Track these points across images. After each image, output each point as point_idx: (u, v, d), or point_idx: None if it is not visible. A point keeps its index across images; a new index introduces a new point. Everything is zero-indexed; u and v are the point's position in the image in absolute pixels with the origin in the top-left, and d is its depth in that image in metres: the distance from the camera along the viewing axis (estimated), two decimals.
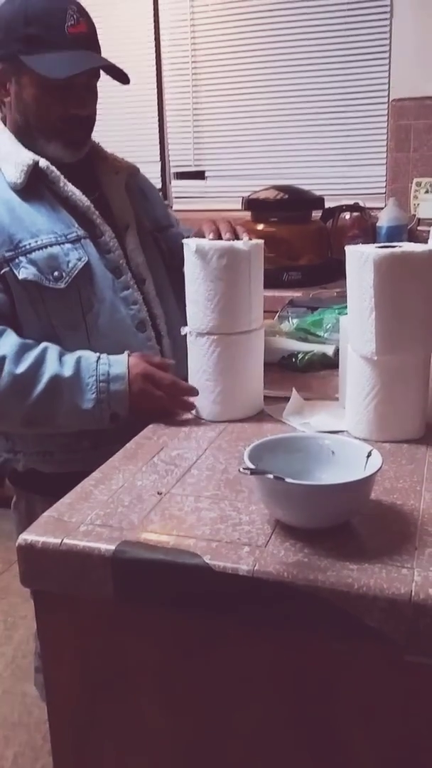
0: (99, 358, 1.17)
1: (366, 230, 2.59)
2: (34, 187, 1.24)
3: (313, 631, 0.72)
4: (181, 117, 3.20)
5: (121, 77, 1.30)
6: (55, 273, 1.21)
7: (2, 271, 1.19)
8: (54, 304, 1.21)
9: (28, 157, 1.23)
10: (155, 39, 3.12)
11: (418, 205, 2.76)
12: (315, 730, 0.76)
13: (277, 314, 1.67)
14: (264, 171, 3.09)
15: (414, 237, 2.65)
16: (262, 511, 0.83)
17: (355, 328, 1.04)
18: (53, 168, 1.25)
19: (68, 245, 1.23)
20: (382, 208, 2.72)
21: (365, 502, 0.82)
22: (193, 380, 1.16)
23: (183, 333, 1.17)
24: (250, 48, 3.02)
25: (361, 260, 0.99)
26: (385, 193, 2.89)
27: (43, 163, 1.25)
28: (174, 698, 0.81)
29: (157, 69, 3.16)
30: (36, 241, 1.21)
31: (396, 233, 2.57)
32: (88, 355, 1.18)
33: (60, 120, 1.26)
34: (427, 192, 2.76)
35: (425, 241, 1.30)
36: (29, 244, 1.20)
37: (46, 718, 0.88)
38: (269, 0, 2.95)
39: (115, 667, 0.82)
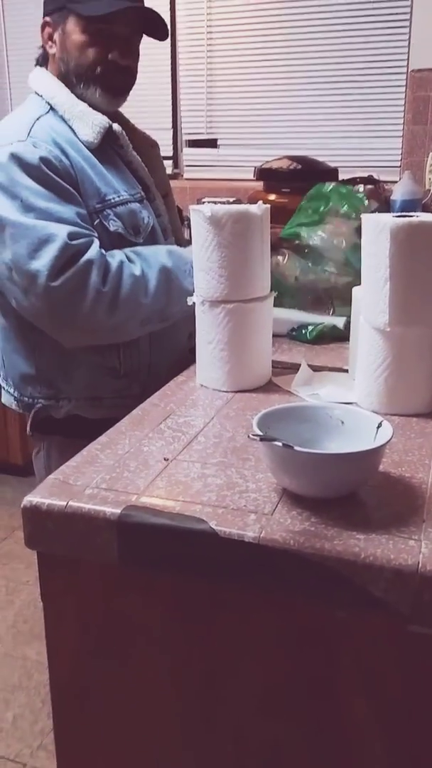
0: (183, 250, 1.31)
1: (380, 203, 2.55)
2: (103, 147, 1.31)
3: (318, 600, 0.72)
4: (194, 84, 3.15)
5: (160, 31, 1.34)
6: (135, 228, 1.31)
7: (95, 222, 1.27)
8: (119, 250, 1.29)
9: (104, 119, 1.30)
10: (171, 4, 3.05)
11: None
12: (317, 698, 0.76)
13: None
14: (277, 141, 3.05)
15: (428, 211, 2.61)
16: (269, 479, 0.83)
17: (368, 299, 1.02)
18: (125, 134, 1.34)
19: (138, 204, 1.33)
20: (396, 182, 2.67)
21: (373, 473, 0.81)
22: (203, 352, 1.14)
23: (190, 303, 1.15)
24: (266, 14, 2.95)
25: (377, 229, 0.97)
26: (400, 166, 2.85)
27: (116, 127, 1.32)
28: (176, 663, 0.81)
29: (171, 35, 3.09)
30: (118, 197, 1.30)
31: (410, 207, 2.52)
32: (174, 248, 1.32)
33: (99, 64, 1.30)
34: None
35: None
36: (113, 198, 1.29)
37: (46, 682, 0.89)
38: None
39: (118, 631, 0.82)
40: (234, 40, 3.03)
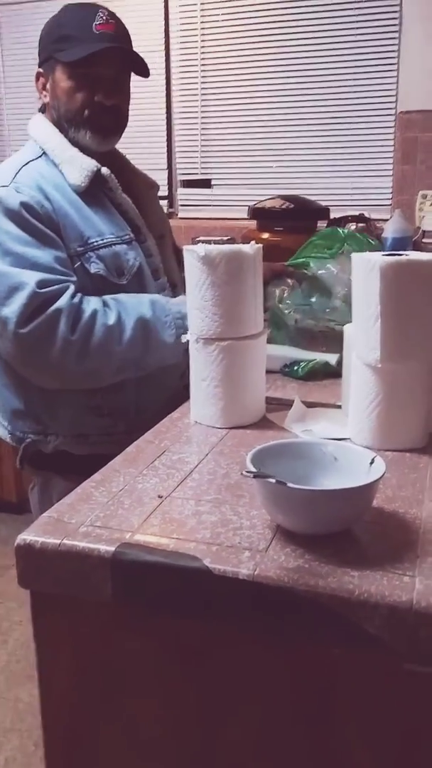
0: (167, 299, 1.33)
1: None
2: (92, 191, 1.34)
3: (313, 637, 0.72)
4: (188, 125, 3.21)
5: (142, 69, 1.38)
6: (118, 270, 1.33)
7: (75, 265, 1.29)
8: (96, 296, 1.30)
9: (92, 163, 1.33)
10: (165, 47, 3.13)
11: (423, 217, 2.76)
12: (314, 737, 0.75)
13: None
14: (270, 180, 3.10)
15: (419, 249, 2.65)
16: (263, 516, 0.83)
17: (359, 336, 1.03)
18: (113, 176, 1.36)
19: (125, 246, 1.35)
20: (387, 220, 2.72)
21: (367, 509, 0.81)
22: (197, 389, 1.15)
23: (184, 340, 1.17)
24: (258, 58, 3.03)
25: (367, 267, 0.99)
26: (390, 204, 2.90)
27: (105, 170, 1.35)
28: (171, 703, 0.80)
29: (166, 77, 3.17)
30: (102, 239, 1.32)
31: (401, 245, 2.56)
32: (158, 298, 1.33)
33: (86, 107, 1.34)
34: None
35: (430, 252, 1.30)
36: (96, 241, 1.31)
37: (39, 725, 0.87)
38: (278, 11, 2.97)
39: (112, 671, 0.81)
40: (227, 83, 3.11)
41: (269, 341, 1.23)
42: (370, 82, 2.88)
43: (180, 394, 1.26)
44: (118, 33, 1.34)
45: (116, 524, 0.82)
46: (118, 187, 1.38)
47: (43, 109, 1.42)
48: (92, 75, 1.32)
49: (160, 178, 3.25)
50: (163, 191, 3.27)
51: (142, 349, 1.28)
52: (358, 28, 2.86)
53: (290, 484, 0.74)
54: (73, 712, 0.85)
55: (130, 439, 1.08)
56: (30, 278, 1.21)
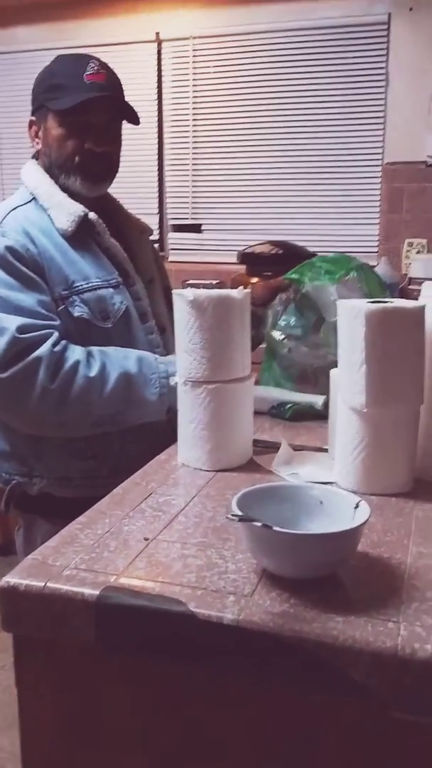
0: (156, 357, 1.34)
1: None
2: (80, 235, 1.35)
3: (297, 683, 0.71)
4: (180, 171, 3.29)
5: (132, 117, 1.42)
6: (103, 313, 1.33)
7: (59, 308, 1.30)
8: (99, 340, 1.32)
9: (79, 208, 1.35)
10: (158, 95, 3.23)
11: (409, 264, 2.82)
12: None
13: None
14: (259, 226, 3.16)
15: (405, 295, 2.69)
16: (248, 560, 0.83)
17: (345, 380, 1.05)
18: (101, 221, 1.38)
19: (111, 289, 1.36)
20: (374, 267, 2.77)
21: (352, 553, 0.81)
22: (185, 431, 1.15)
23: (173, 383, 1.18)
24: (248, 107, 3.12)
25: (352, 314, 1.01)
26: (377, 251, 2.96)
27: (92, 215, 1.36)
28: (154, 749, 0.79)
29: (158, 124, 3.26)
30: (87, 283, 1.33)
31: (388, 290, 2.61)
32: (147, 355, 1.33)
33: (76, 154, 1.37)
34: (418, 252, 2.82)
35: (416, 299, 1.32)
36: (81, 285, 1.32)
37: None
38: (269, 64, 3.07)
39: (95, 717, 0.80)
40: (218, 131, 3.19)
41: (257, 382, 1.23)
42: (358, 134, 2.97)
43: (165, 438, 1.27)
44: (109, 82, 1.37)
45: (101, 567, 0.81)
46: (106, 232, 1.39)
47: (36, 156, 1.45)
48: (82, 123, 1.35)
49: (152, 222, 3.29)
50: (153, 235, 3.32)
51: (123, 404, 1.28)
52: (346, 82, 2.96)
53: (275, 528, 0.74)
54: (54, 760, 0.83)
55: (114, 482, 1.08)
56: (11, 323, 1.22)
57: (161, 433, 1.35)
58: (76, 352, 1.26)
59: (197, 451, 1.14)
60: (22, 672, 0.83)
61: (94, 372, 1.25)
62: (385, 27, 2.88)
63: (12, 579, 0.79)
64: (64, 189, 1.38)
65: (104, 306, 1.34)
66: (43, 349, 1.22)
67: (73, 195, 1.37)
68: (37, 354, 1.22)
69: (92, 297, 1.33)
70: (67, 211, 1.35)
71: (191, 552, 0.85)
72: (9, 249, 1.27)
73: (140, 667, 0.77)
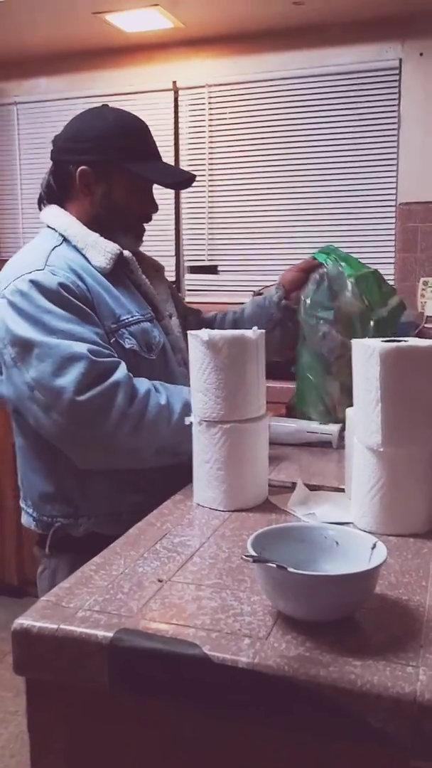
0: (174, 370, 1.39)
1: None
2: (116, 273, 1.40)
3: (314, 730, 0.69)
4: (196, 213, 3.34)
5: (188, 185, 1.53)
6: (148, 345, 1.38)
7: (111, 341, 1.33)
8: (145, 371, 1.35)
9: (115, 247, 1.40)
10: (174, 137, 3.30)
11: (425, 303, 2.82)
12: None
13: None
14: (275, 267, 3.19)
15: (422, 334, 2.70)
16: (264, 602, 0.82)
17: (360, 420, 1.04)
18: (134, 258, 1.44)
19: (149, 323, 1.41)
20: None
21: (369, 596, 0.80)
22: (200, 471, 1.15)
23: (187, 423, 1.18)
24: (264, 150, 3.18)
25: (367, 353, 1.01)
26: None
27: (127, 253, 1.42)
28: None
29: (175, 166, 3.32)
30: (131, 317, 1.38)
31: (403, 330, 2.61)
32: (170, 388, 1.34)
33: (140, 217, 1.47)
34: None
35: None
36: (127, 319, 1.37)
37: None
38: (283, 109, 3.13)
39: (109, 762, 0.79)
40: (233, 175, 3.25)
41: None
42: (372, 175, 3.01)
43: None
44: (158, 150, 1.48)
45: (115, 609, 0.81)
46: (138, 269, 1.45)
47: (48, 199, 1.47)
48: (149, 190, 1.46)
49: (169, 264, 3.35)
50: (170, 276, 3.37)
51: (185, 435, 1.26)
52: (359, 125, 3.02)
53: (291, 569, 0.74)
54: None
55: None
56: (83, 348, 1.23)
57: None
58: (144, 381, 1.29)
59: (212, 491, 1.13)
60: (35, 717, 0.81)
61: (164, 400, 1.28)
62: (397, 72, 2.94)
63: (25, 621, 0.79)
64: (109, 238, 1.41)
65: (148, 338, 1.38)
66: (120, 374, 1.25)
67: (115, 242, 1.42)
68: (115, 378, 1.24)
69: (138, 330, 1.37)
70: (103, 250, 1.39)
71: (206, 594, 0.85)
72: (62, 285, 1.29)
73: (154, 711, 0.76)
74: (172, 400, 1.29)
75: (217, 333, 1.12)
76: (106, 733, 0.78)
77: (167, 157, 3.24)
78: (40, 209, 1.48)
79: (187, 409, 1.27)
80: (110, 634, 0.75)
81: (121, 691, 0.75)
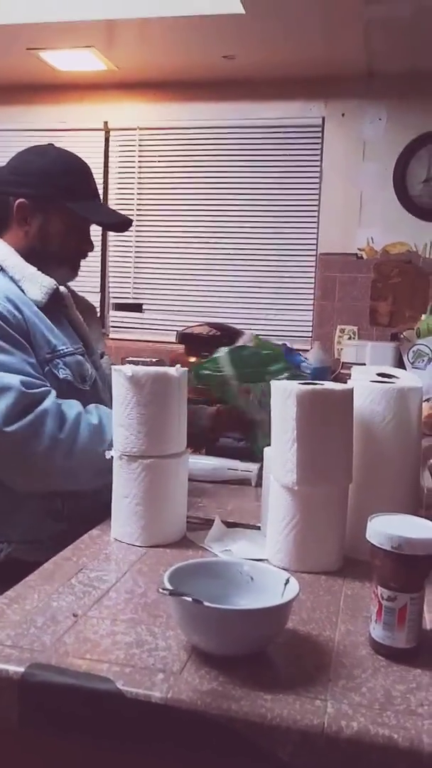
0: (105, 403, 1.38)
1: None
2: (50, 306, 1.42)
3: (225, 764, 0.70)
4: (123, 251, 3.37)
5: (127, 224, 1.59)
6: (82, 377, 1.42)
7: (45, 370, 1.35)
8: (76, 399, 1.35)
9: (51, 282, 1.43)
10: (104, 182, 3.34)
11: (341, 349, 2.93)
12: None
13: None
14: (199, 308, 3.25)
15: (338, 379, 2.79)
16: (178, 637, 0.82)
17: (277, 458, 1.07)
18: (69, 294, 1.49)
19: (81, 357, 1.44)
20: (308, 350, 2.87)
21: (281, 630, 0.82)
22: (119, 505, 1.15)
23: (108, 457, 1.18)
24: (191, 194, 3.26)
25: (285, 394, 1.05)
26: (311, 336, 3.07)
27: (62, 289, 1.45)
28: None
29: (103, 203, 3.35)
30: (66, 348, 1.41)
31: (320, 374, 2.70)
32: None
33: (76, 253, 1.52)
34: (350, 338, 2.94)
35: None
36: (62, 349, 1.40)
37: None
38: (211, 156, 3.23)
39: None
40: (162, 214, 3.31)
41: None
42: (294, 225, 3.13)
43: None
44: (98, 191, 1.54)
45: (27, 644, 0.80)
46: (73, 305, 1.49)
47: None
48: (86, 228, 1.50)
49: (94, 300, 3.33)
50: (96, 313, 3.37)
51: None
52: (283, 176, 3.14)
53: (206, 603, 0.75)
54: None
55: None
56: (14, 380, 1.25)
57: None
58: (74, 405, 1.31)
59: (130, 527, 1.14)
60: None
61: (95, 420, 1.30)
62: (320, 129, 3.09)
63: None
64: (43, 271, 1.43)
65: (82, 370, 1.42)
66: (48, 402, 1.26)
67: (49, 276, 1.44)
68: (43, 407, 1.25)
69: (72, 361, 1.40)
70: (40, 284, 1.41)
71: (121, 629, 0.84)
72: None
73: (65, 749, 0.74)
74: (105, 420, 1.30)
75: (140, 369, 1.14)
76: None
77: None
78: None
79: None
80: (21, 669, 0.74)
81: (31, 728, 0.74)
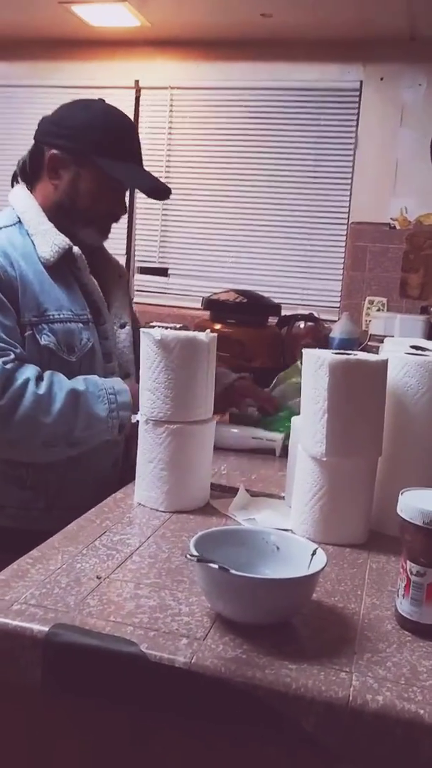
0: (101, 378, 1.33)
1: (319, 340, 2.68)
2: (60, 267, 1.36)
3: (247, 732, 0.70)
4: (150, 214, 3.33)
5: (166, 192, 1.49)
6: (69, 346, 1.33)
7: (27, 333, 1.30)
8: (58, 370, 1.31)
9: (65, 241, 1.36)
10: None
11: (369, 321, 2.89)
12: None
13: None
14: (225, 275, 3.21)
15: (365, 351, 2.75)
16: (202, 603, 0.82)
17: (306, 429, 1.06)
18: (83, 257, 1.39)
19: (81, 325, 1.36)
20: (335, 321, 2.83)
21: (307, 601, 0.81)
22: (144, 470, 1.14)
23: (134, 421, 1.17)
24: (222, 158, 3.20)
25: (317, 364, 1.02)
26: (339, 307, 3.03)
27: (76, 250, 1.37)
28: None
29: None
30: (59, 314, 1.33)
31: (347, 346, 2.66)
32: (93, 377, 1.33)
33: (106, 215, 1.44)
34: (378, 310, 2.90)
35: None
36: (53, 315, 1.33)
37: None
38: (244, 118, 3.16)
39: (38, 762, 0.77)
40: (191, 177, 3.25)
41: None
42: (326, 192, 3.07)
43: (108, 481, 1.25)
44: (142, 156, 1.45)
45: (51, 604, 0.79)
46: (86, 268, 1.40)
47: (20, 177, 1.45)
48: (120, 190, 1.44)
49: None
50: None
51: (72, 422, 1.25)
52: (317, 141, 3.07)
53: (232, 571, 0.74)
54: None
55: (47, 516, 1.07)
56: None
57: (105, 476, 1.35)
58: (27, 371, 1.25)
59: (155, 491, 1.13)
60: None
61: (42, 390, 1.24)
62: (357, 93, 3.00)
63: None
64: (62, 229, 1.38)
65: (71, 339, 1.34)
66: None
67: (80, 242, 1.39)
68: None
69: (61, 328, 1.33)
70: (52, 241, 1.35)
71: (144, 592, 0.84)
72: None
73: (86, 711, 0.75)
74: (55, 388, 1.26)
75: (170, 333, 1.12)
76: (37, 733, 0.77)
77: None
78: (12, 186, 1.46)
79: (73, 396, 1.26)
80: (45, 629, 0.74)
81: (53, 689, 0.74)
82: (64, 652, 0.73)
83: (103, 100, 1.47)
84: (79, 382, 1.29)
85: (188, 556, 0.76)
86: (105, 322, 1.44)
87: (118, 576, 0.88)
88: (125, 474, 1.34)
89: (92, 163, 1.38)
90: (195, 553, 0.77)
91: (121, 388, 1.31)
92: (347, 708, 0.66)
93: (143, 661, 0.71)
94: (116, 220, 1.48)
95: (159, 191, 1.47)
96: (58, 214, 1.39)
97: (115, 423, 1.29)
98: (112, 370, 1.42)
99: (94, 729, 0.75)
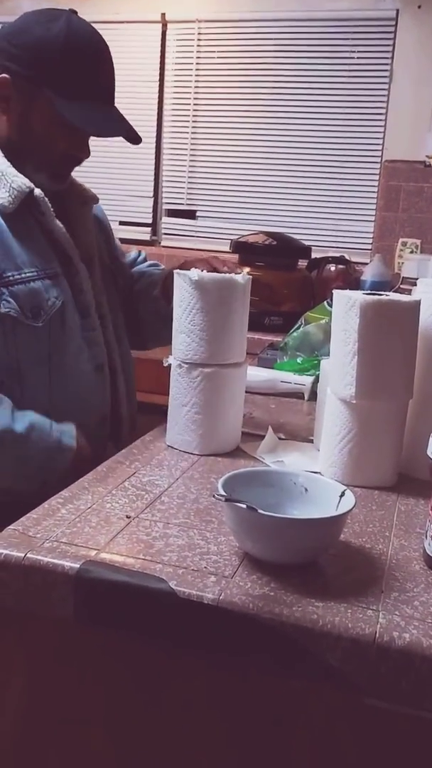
0: (51, 424, 1.18)
1: (350, 283, 2.64)
2: (20, 214, 1.18)
3: (274, 667, 0.71)
4: (178, 156, 3.26)
5: (135, 139, 1.28)
6: (34, 310, 1.18)
7: None
8: (25, 338, 1.18)
9: (24, 183, 1.18)
10: (159, 78, 3.19)
11: (402, 264, 2.82)
12: None
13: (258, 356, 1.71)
14: (254, 217, 3.15)
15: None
16: (230, 543, 0.82)
17: (335, 371, 1.05)
18: (47, 200, 1.20)
19: (48, 281, 1.20)
20: (367, 264, 2.77)
21: (335, 541, 0.81)
22: (176, 414, 1.14)
23: (166, 364, 1.16)
24: (251, 95, 3.10)
25: (348, 305, 1.01)
26: (371, 249, 2.96)
27: (38, 192, 1.19)
28: (125, 728, 0.78)
29: (158, 107, 3.22)
30: (19, 274, 1.17)
31: (379, 289, 2.61)
32: (41, 423, 1.18)
33: (61, 157, 1.24)
34: (412, 252, 2.83)
35: None
36: (12, 276, 1.16)
37: None
38: (274, 51, 3.04)
39: (67, 692, 0.80)
40: (218, 117, 3.16)
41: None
42: (359, 129, 2.96)
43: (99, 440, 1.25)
44: (113, 87, 1.23)
45: (82, 541, 0.81)
46: (50, 212, 1.21)
47: None
48: (81, 133, 1.22)
49: (146, 205, 3.29)
50: (147, 219, 3.31)
51: None
52: (350, 75, 2.95)
53: (261, 511, 0.74)
54: (23, 736, 0.83)
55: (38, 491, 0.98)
56: None
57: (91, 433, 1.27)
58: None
59: (189, 435, 1.13)
60: None
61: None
62: (393, 23, 2.86)
63: None
64: (19, 170, 1.19)
65: (37, 301, 1.18)
66: None
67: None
68: None
69: (23, 290, 1.16)
70: (9, 185, 1.17)
71: (173, 532, 0.85)
72: None
73: (117, 643, 0.77)
74: None
75: (206, 274, 1.10)
76: (67, 664, 0.79)
77: (150, 93, 3.17)
78: None
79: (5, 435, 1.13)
80: (77, 565, 0.75)
81: (84, 622, 0.76)
82: (96, 587, 0.75)
83: (74, 13, 1.21)
84: (20, 423, 1.15)
85: (216, 495, 0.77)
86: (77, 273, 1.26)
87: (147, 516, 0.89)
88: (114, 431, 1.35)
89: (45, 95, 1.16)
90: (223, 493, 0.77)
91: (69, 441, 1.19)
92: (374, 644, 0.67)
93: (172, 598, 0.72)
94: (77, 163, 1.27)
95: (125, 137, 1.25)
96: (8, 154, 1.20)
97: (38, 479, 1.16)
98: (92, 325, 1.28)
99: (123, 662, 0.77)
